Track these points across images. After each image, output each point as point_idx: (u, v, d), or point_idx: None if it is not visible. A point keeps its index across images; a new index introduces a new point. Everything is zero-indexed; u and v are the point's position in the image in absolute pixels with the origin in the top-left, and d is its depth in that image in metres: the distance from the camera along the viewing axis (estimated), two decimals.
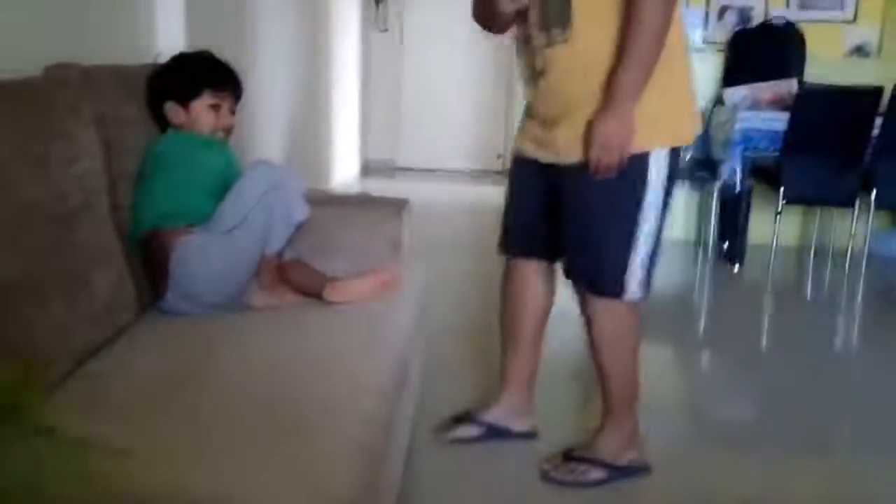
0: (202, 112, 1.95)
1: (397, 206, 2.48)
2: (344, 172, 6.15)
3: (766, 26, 4.71)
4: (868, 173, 4.04)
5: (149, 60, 2.06)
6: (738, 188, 4.24)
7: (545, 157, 2.01)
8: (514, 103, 6.91)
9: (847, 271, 4.30)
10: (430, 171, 7.16)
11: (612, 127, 1.82)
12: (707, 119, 4.62)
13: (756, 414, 2.43)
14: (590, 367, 2.17)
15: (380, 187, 6.13)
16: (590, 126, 1.84)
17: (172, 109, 1.94)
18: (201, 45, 2.09)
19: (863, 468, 2.25)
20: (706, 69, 4.85)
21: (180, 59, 2.01)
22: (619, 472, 2.10)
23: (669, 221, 2.03)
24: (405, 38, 7.21)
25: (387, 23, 7.15)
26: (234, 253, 1.83)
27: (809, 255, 4.53)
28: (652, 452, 2.20)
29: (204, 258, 1.80)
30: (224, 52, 2.10)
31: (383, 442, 1.42)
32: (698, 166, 4.69)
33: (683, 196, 5.02)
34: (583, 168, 1.89)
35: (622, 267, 1.94)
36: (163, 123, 1.95)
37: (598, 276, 1.99)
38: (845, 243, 4.33)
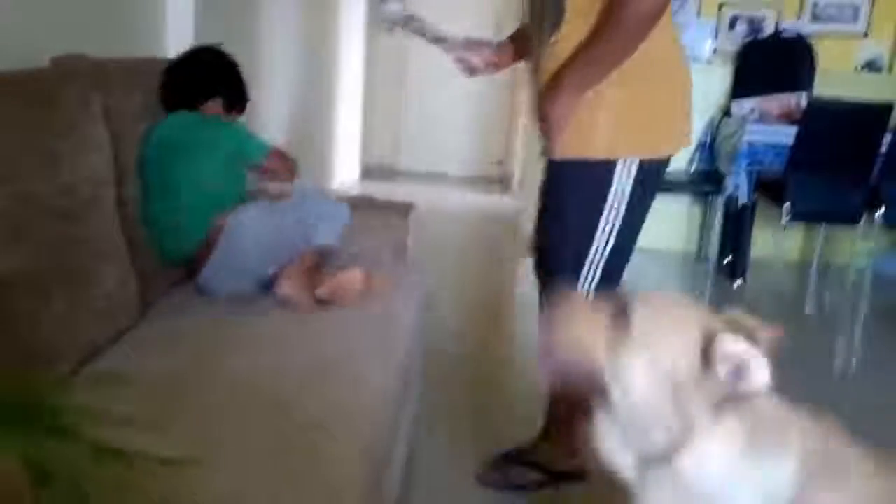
0: (232, 120, 2.07)
1: (403, 210, 2.50)
2: (344, 175, 6.12)
3: (777, 38, 4.68)
4: (875, 191, 4.01)
5: (160, 54, 2.11)
6: (742, 202, 4.21)
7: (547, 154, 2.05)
8: (516, 110, 6.88)
9: (850, 289, 4.26)
10: (431, 176, 7.14)
11: (549, 106, 1.84)
12: (714, 131, 4.58)
13: None
14: None
15: (380, 191, 6.10)
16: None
17: (216, 107, 2.01)
18: (208, 41, 2.09)
19: None
20: (715, 80, 4.83)
21: (191, 61, 2.04)
22: (556, 476, 2.13)
23: (640, 229, 2.06)
24: (410, 40, 7.19)
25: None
26: (283, 232, 1.90)
27: (812, 271, 4.48)
28: None
29: (255, 229, 1.87)
30: (230, 50, 2.10)
31: (386, 444, 1.43)
32: (703, 179, 4.65)
33: (686, 208, 5.00)
34: (554, 165, 1.95)
35: (574, 265, 1.99)
36: (175, 105, 1.95)
37: (553, 269, 2.05)
38: (849, 261, 4.30)
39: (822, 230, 4.68)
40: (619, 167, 1.89)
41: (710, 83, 4.82)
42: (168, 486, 1.07)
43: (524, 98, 6.17)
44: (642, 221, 2.01)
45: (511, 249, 5.12)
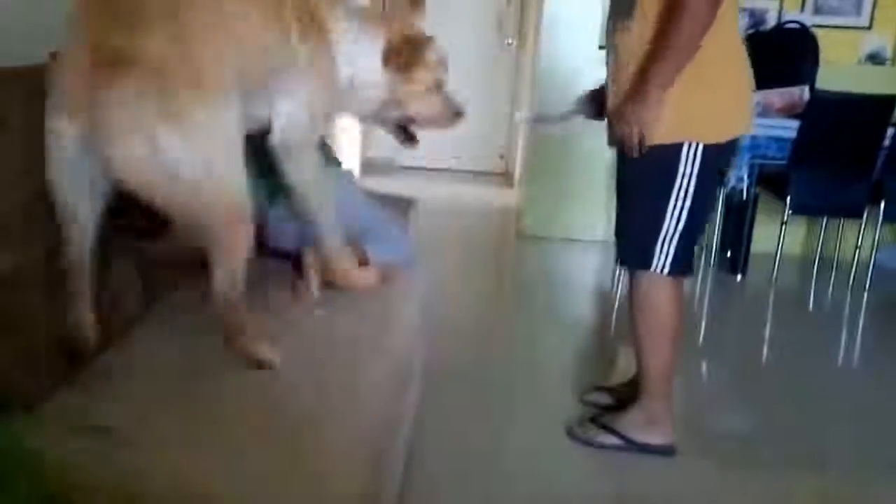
0: None
1: (405, 206, 2.51)
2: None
3: (780, 30, 4.65)
4: (877, 184, 3.99)
5: None
6: (744, 196, 4.19)
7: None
8: (519, 103, 6.86)
9: (851, 284, 4.25)
10: (432, 171, 7.12)
11: (631, 107, 1.98)
12: None
13: (754, 427, 2.42)
14: None
15: (381, 186, 6.08)
16: (617, 106, 2.06)
17: None
18: None
19: (862, 485, 2.23)
20: None
21: None
22: (635, 447, 2.25)
23: (709, 208, 2.23)
24: None
25: None
26: (358, 214, 1.97)
27: (814, 265, 4.47)
28: (652, 466, 2.20)
29: (341, 193, 1.89)
30: None
31: (387, 441, 1.43)
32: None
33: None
34: (621, 150, 2.10)
35: (647, 242, 2.12)
36: None
37: (626, 250, 2.23)
38: (851, 255, 4.29)
39: (823, 224, 4.66)
40: (684, 151, 2.02)
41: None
42: (168, 480, 1.08)
43: (523, 93, 6.17)
44: (710, 203, 2.17)
45: (513, 243, 5.12)
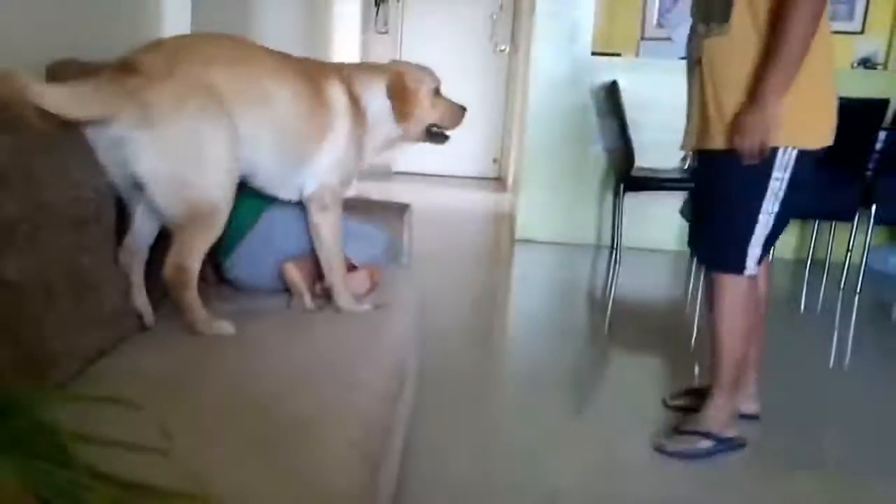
0: None
1: (399, 211, 2.50)
2: None
3: None
4: (869, 188, 4.01)
5: None
6: None
7: (695, 144, 2.22)
8: (511, 108, 6.89)
9: (843, 286, 4.27)
10: (426, 176, 7.15)
11: (752, 119, 2.00)
12: None
13: (747, 427, 2.41)
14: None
15: (376, 192, 6.12)
16: (736, 116, 2.06)
17: None
18: None
19: (856, 484, 2.24)
20: None
21: None
22: (725, 444, 2.29)
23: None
24: (404, 40, 7.19)
25: (387, 25, 7.13)
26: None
27: (805, 268, 4.50)
28: (644, 467, 2.21)
29: (290, 226, 1.94)
30: None
31: (381, 445, 1.43)
32: (694, 177, 4.66)
33: (678, 206, 5.00)
34: (717, 154, 2.12)
35: (743, 246, 2.15)
36: None
37: (721, 254, 2.22)
38: (842, 257, 4.31)
39: (815, 226, 4.70)
40: (779, 155, 2.06)
41: None
42: (162, 482, 1.06)
43: (518, 96, 6.18)
44: (797, 207, 2.16)
45: (507, 246, 5.14)
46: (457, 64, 7.12)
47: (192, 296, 1.65)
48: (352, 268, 2.02)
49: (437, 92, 2.07)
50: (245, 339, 1.68)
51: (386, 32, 7.13)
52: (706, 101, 2.14)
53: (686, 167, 4.79)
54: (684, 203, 2.36)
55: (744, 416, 2.44)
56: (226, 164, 1.64)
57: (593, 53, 4.92)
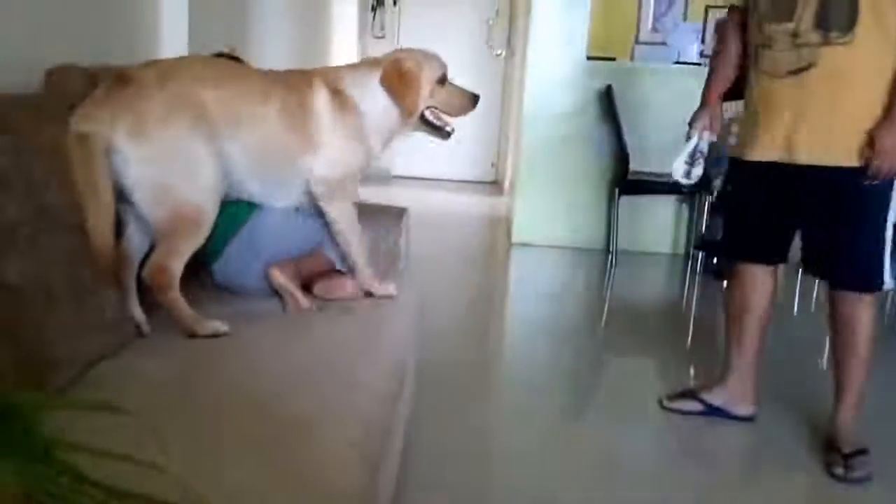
0: None
1: (396, 215, 2.51)
2: None
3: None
4: None
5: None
6: None
7: (781, 157, 2.15)
8: (508, 113, 6.93)
9: None
10: (424, 180, 7.17)
11: (892, 139, 1.97)
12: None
13: (743, 431, 2.44)
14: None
15: (374, 196, 6.13)
16: (869, 135, 2.00)
17: None
18: (202, 48, 2.11)
19: (850, 485, 2.24)
20: (701, 83, 4.85)
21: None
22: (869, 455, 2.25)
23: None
24: (401, 44, 7.23)
25: (383, 29, 7.17)
26: (299, 238, 1.99)
27: (798, 271, 4.52)
28: (642, 469, 2.23)
29: (276, 229, 1.95)
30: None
31: (380, 446, 1.44)
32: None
33: (674, 210, 5.05)
34: (840, 172, 2.06)
35: (879, 261, 2.12)
36: None
37: (860, 273, 2.17)
38: None
39: None
40: None
41: (697, 85, 4.86)
42: (163, 485, 1.07)
43: (508, 101, 6.22)
44: None
45: (504, 250, 5.17)
46: (453, 68, 7.08)
47: (174, 296, 1.68)
48: (340, 272, 2.04)
49: (443, 78, 2.06)
50: (244, 342, 1.69)
51: (383, 37, 7.17)
52: (822, 113, 2.06)
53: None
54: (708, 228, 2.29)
55: (740, 418, 2.47)
56: (211, 176, 1.70)
57: (589, 58, 4.96)
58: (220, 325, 1.70)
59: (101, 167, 1.53)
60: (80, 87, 1.69)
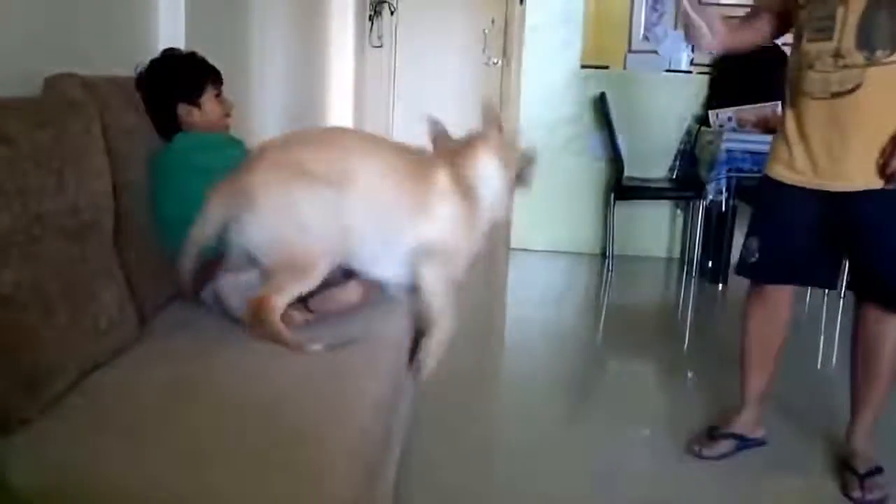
0: (212, 104, 2.07)
1: None
2: None
3: (753, 49, 4.77)
4: None
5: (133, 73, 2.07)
6: (723, 207, 4.31)
7: (829, 184, 2.06)
8: (505, 120, 6.98)
9: (827, 291, 4.33)
10: None
11: None
12: (693, 140, 4.70)
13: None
14: None
15: None
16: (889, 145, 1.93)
17: (185, 110, 2.02)
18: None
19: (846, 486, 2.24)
20: (691, 91, 4.94)
21: (169, 63, 2.06)
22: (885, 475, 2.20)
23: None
24: (399, 54, 7.29)
25: (381, 39, 7.23)
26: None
27: None
28: (641, 472, 2.25)
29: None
30: (222, 65, 2.15)
31: (380, 453, 1.44)
32: (684, 185, 4.76)
33: (668, 215, 5.10)
34: (880, 193, 1.99)
35: None
36: (167, 127, 2.01)
37: (888, 291, 2.10)
38: None
39: None
40: None
41: (687, 93, 4.94)
42: (162, 494, 1.11)
43: (503, 106, 6.28)
44: None
45: (502, 254, 5.19)
46: (450, 77, 7.20)
47: (274, 329, 1.71)
48: (347, 276, 2.02)
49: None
50: (240, 351, 1.67)
51: (381, 46, 7.21)
52: (872, 139, 1.98)
53: (674, 176, 4.88)
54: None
55: (755, 442, 2.39)
56: (324, 235, 1.78)
57: (582, 66, 5.02)
58: (317, 347, 1.70)
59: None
60: (78, 95, 1.69)
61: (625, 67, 5.11)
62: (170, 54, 2.09)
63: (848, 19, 1.95)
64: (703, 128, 4.62)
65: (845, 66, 1.97)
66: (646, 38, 5.05)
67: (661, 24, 4.97)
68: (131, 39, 2.33)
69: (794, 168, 2.12)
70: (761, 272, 2.27)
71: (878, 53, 1.93)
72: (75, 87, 1.72)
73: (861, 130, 1.99)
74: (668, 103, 4.90)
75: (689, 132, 4.82)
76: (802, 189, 2.11)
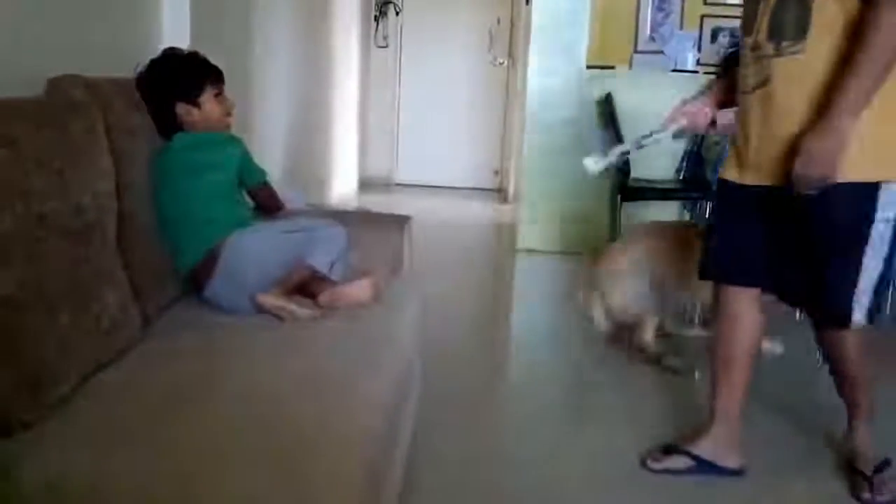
0: (212, 104, 2.07)
1: (399, 223, 2.51)
2: (342, 188, 6.20)
3: None
4: None
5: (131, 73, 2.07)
6: None
7: (754, 179, 1.99)
8: (511, 120, 6.98)
9: None
10: (428, 188, 7.21)
11: (819, 141, 1.76)
12: (700, 140, 4.68)
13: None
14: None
15: (378, 203, 6.17)
16: (799, 139, 1.80)
17: (185, 109, 2.02)
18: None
19: (846, 487, 2.24)
20: (697, 90, 4.91)
21: (169, 63, 2.06)
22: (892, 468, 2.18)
23: None
24: (404, 54, 7.29)
25: (386, 39, 7.23)
26: (281, 253, 1.95)
27: None
28: (647, 477, 2.25)
29: (255, 248, 1.95)
30: (227, 68, 2.16)
31: (383, 457, 1.44)
32: (691, 185, 4.75)
33: (675, 214, 5.09)
34: (803, 194, 1.84)
35: (846, 298, 1.91)
36: (168, 127, 2.01)
37: (822, 307, 2.01)
38: None
39: None
40: (881, 193, 1.83)
41: (693, 92, 4.92)
42: (165, 497, 1.13)
43: (515, 108, 6.27)
44: None
45: (509, 257, 5.19)
46: (456, 77, 7.21)
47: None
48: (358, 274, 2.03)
49: None
50: (246, 352, 1.68)
51: (386, 46, 7.23)
52: (781, 132, 1.87)
53: (681, 177, 4.88)
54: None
55: (729, 472, 2.24)
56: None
57: (588, 66, 5.01)
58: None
59: None
60: (80, 95, 1.70)
61: (631, 67, 5.11)
62: (170, 54, 2.09)
63: (766, 11, 1.88)
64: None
65: (759, 59, 1.90)
66: (652, 38, 5.05)
67: (667, 23, 4.96)
68: (135, 41, 2.34)
69: (737, 165, 2.06)
70: (714, 272, 2.20)
71: (784, 44, 1.84)
72: (78, 87, 1.73)
73: (774, 125, 1.90)
74: (674, 103, 4.87)
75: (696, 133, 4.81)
76: (744, 186, 2.04)
